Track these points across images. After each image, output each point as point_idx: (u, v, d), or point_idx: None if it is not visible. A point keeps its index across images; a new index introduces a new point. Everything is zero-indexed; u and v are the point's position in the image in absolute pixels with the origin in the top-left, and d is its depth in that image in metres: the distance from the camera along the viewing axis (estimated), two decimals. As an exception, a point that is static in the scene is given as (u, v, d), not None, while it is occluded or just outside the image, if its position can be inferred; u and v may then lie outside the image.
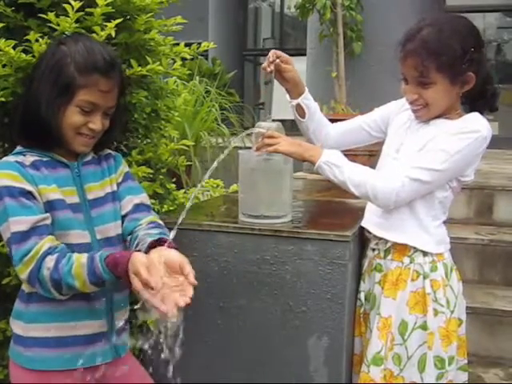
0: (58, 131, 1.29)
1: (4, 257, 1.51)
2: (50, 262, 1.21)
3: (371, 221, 1.65)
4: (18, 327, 1.34)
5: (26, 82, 1.37)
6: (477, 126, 1.48)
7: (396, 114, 1.67)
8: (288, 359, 1.65)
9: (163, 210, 1.99)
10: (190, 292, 1.15)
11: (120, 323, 1.39)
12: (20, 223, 1.22)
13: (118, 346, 1.40)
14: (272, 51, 1.63)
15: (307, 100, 1.71)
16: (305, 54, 4.49)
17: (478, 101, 1.53)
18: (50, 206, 1.28)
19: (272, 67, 1.61)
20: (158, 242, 1.30)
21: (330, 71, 3.89)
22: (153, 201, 1.87)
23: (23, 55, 1.47)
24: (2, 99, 1.49)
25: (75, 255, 1.24)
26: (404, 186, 1.47)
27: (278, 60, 1.62)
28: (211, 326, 1.71)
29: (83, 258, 1.23)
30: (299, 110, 1.72)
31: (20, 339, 1.33)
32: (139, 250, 1.30)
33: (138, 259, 1.16)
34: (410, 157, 1.53)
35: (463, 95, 1.53)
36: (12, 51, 1.46)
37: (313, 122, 1.74)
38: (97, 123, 1.31)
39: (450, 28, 1.46)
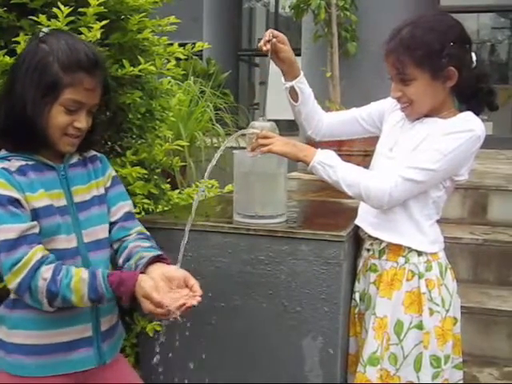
0: (45, 132, 1.27)
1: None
2: (46, 272, 1.20)
3: (366, 220, 1.64)
4: (0, 332, 1.33)
5: (6, 83, 1.32)
6: (470, 126, 1.48)
7: (391, 111, 1.67)
8: (283, 359, 1.65)
9: (158, 210, 1.98)
10: (199, 294, 1.24)
11: (106, 329, 1.38)
12: (9, 231, 1.20)
13: (104, 352, 1.37)
14: (269, 30, 1.62)
15: (301, 84, 1.69)
16: (299, 54, 4.49)
17: (472, 99, 1.53)
18: (37, 214, 1.25)
19: (268, 46, 1.59)
20: (157, 259, 1.32)
21: (325, 71, 3.89)
22: (147, 201, 1.86)
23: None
24: None
25: (73, 268, 1.24)
26: (397, 186, 1.47)
27: (274, 40, 1.61)
28: (206, 327, 1.70)
29: (83, 273, 1.23)
30: (292, 93, 1.71)
31: (3, 344, 1.32)
32: (132, 264, 1.34)
33: (147, 283, 1.21)
34: (403, 156, 1.53)
35: (458, 94, 1.53)
36: None
37: (306, 107, 1.72)
38: (82, 122, 1.29)
39: (426, 25, 1.48)
